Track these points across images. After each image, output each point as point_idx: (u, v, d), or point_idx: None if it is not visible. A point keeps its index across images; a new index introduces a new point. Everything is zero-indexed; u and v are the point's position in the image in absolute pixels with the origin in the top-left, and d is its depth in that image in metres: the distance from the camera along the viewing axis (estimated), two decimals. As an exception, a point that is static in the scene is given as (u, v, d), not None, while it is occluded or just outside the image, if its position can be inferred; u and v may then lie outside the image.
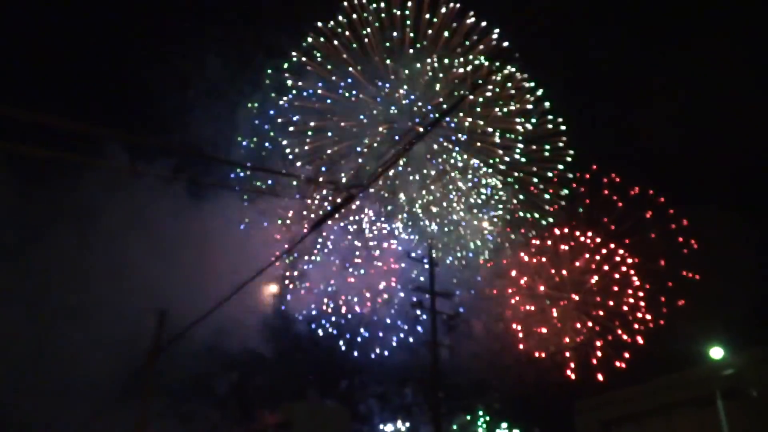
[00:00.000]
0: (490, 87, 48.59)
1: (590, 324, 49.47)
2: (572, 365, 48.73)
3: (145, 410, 15.28)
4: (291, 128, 50.68)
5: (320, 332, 51.13)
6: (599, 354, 48.92)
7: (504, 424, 51.76)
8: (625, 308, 49.01)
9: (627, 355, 47.94)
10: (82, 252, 50.97)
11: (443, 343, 23.15)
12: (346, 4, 49.46)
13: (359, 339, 51.47)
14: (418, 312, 25.79)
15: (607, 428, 26.79)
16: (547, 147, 50.76)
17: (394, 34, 49.54)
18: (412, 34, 49.40)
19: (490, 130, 50.10)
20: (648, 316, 48.07)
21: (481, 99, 48.45)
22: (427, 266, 25.32)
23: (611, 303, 49.32)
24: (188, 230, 48.60)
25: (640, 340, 47.31)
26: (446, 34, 49.08)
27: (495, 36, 48.70)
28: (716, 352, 21.92)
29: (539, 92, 50.74)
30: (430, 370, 22.02)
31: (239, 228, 48.94)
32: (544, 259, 51.08)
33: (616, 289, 49.58)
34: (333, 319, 51.23)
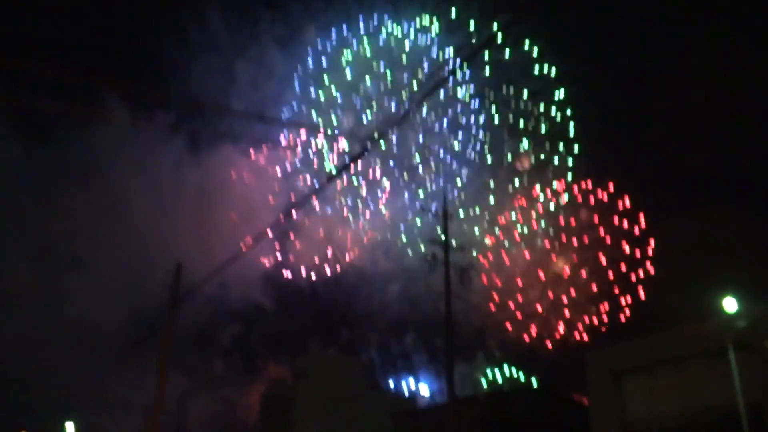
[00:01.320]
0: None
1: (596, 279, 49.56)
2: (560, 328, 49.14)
3: (164, 362, 15.54)
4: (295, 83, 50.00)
5: (320, 284, 51.42)
6: (606, 306, 49.13)
7: (505, 368, 52.38)
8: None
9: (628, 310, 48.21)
10: (84, 207, 51.24)
11: (458, 295, 23.31)
12: None
13: (359, 290, 51.82)
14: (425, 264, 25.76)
15: (618, 378, 27.08)
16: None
17: None
18: None
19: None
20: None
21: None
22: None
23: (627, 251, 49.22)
24: (189, 183, 48.70)
25: (641, 293, 47.43)
26: None
27: None
28: (730, 304, 21.81)
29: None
30: (445, 322, 22.23)
31: (239, 180, 48.89)
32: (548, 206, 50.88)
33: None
34: (334, 269, 51.39)
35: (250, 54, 51.09)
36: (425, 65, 47.59)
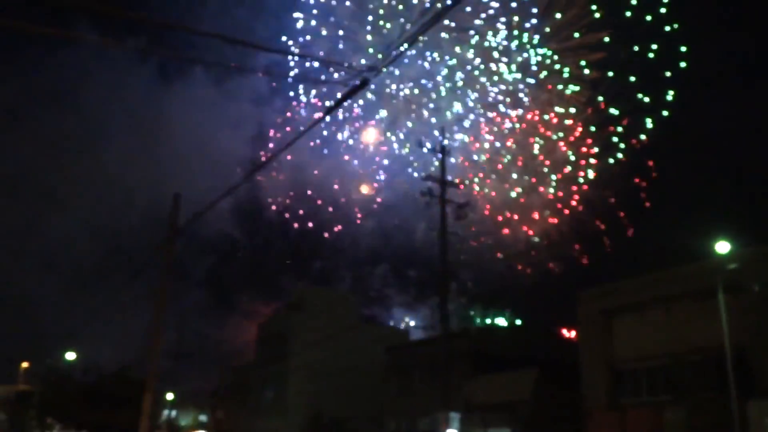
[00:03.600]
0: None
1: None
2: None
3: (164, 293, 15.77)
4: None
5: (299, 213, 50.79)
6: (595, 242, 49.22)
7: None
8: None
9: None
10: (59, 134, 50.47)
11: (453, 231, 23.46)
12: None
13: (334, 223, 51.51)
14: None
15: (608, 317, 27.58)
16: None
17: None
18: None
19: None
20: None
21: None
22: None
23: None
24: (159, 111, 47.80)
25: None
26: None
27: None
28: (722, 247, 21.91)
29: None
30: (440, 258, 22.44)
31: (208, 108, 47.96)
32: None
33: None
34: (308, 202, 50.94)
35: None
36: None
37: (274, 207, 50.42)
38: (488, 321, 52.20)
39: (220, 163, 47.72)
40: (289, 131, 48.61)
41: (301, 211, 50.66)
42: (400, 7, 46.31)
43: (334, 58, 44.47)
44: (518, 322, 47.34)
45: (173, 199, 17.68)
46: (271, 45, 45.32)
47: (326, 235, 50.30)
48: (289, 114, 47.38)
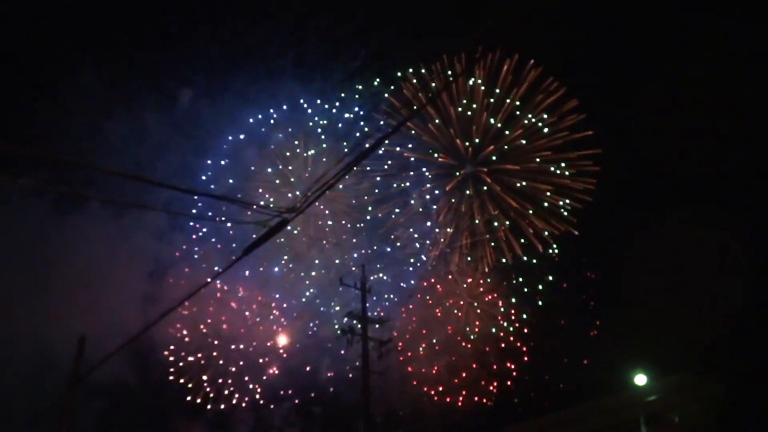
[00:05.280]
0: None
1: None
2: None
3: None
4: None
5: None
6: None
7: None
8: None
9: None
10: None
11: (376, 370, 22.76)
12: None
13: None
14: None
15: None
16: None
17: None
18: None
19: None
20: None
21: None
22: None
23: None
24: (53, 246, 45.72)
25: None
26: None
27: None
28: (640, 379, 22.41)
29: None
30: (362, 399, 21.61)
31: (108, 244, 46.51)
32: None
33: None
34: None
35: (125, 117, 49.67)
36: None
37: (168, 350, 48.22)
38: None
39: (115, 300, 45.39)
40: (187, 271, 47.54)
41: (198, 352, 48.69)
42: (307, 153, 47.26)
43: (241, 196, 44.22)
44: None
45: (78, 342, 16.53)
46: (173, 182, 44.91)
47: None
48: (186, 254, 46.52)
